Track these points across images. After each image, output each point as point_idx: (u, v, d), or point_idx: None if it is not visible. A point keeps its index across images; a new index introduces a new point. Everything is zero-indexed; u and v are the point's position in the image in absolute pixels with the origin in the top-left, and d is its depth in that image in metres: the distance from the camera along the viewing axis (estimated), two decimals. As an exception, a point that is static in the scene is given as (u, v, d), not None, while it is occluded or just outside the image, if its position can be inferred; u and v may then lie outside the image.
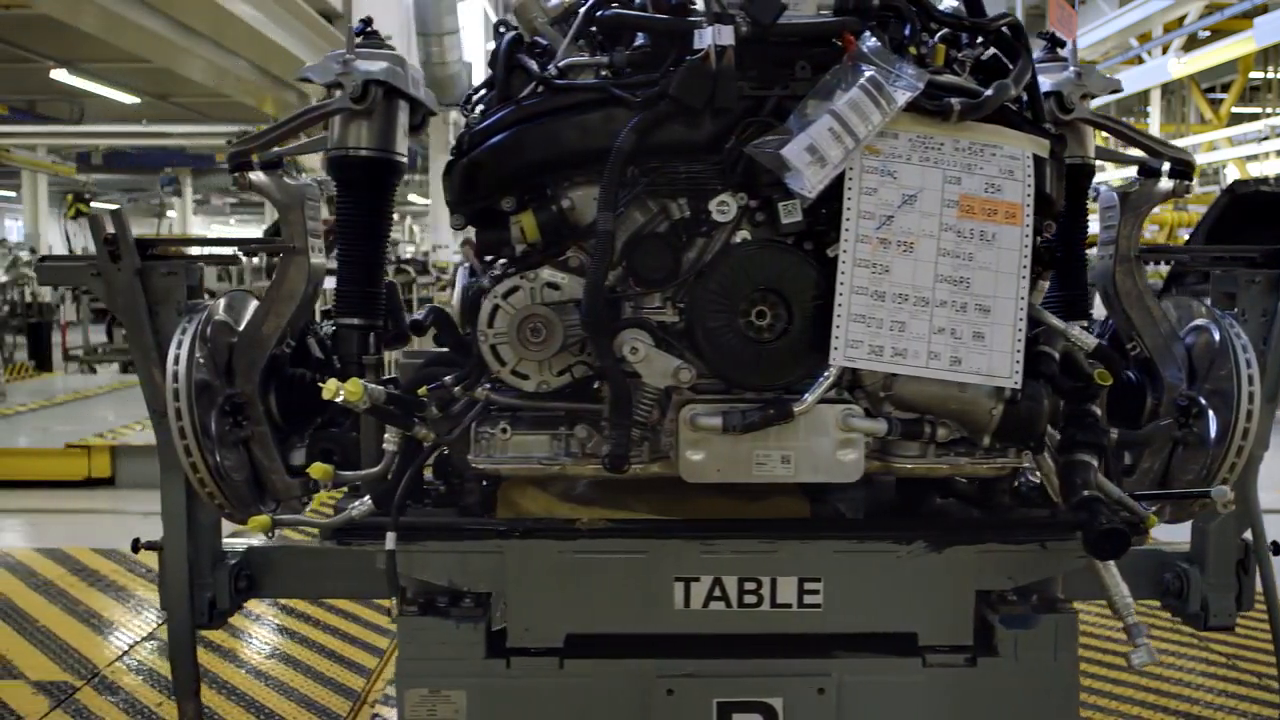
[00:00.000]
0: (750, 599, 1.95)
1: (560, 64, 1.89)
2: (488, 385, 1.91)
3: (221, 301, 2.21)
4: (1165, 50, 10.74)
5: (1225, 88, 15.18)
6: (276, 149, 2.19)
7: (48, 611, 4.60)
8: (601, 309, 1.79)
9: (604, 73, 1.90)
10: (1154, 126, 14.37)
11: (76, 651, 4.13)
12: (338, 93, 2.11)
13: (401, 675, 2.00)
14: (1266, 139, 12.00)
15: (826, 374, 1.76)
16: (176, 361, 2.04)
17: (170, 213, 20.80)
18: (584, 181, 1.87)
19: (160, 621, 4.35)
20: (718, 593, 1.95)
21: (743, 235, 1.84)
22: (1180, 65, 10.49)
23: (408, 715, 1.99)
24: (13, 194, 24.19)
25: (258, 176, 2.17)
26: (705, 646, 1.99)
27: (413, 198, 22.69)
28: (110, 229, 2.19)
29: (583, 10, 1.94)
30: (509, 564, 1.97)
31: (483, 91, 2.18)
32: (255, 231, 28.44)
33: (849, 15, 1.82)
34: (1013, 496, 2.07)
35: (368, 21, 2.21)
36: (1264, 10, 9.85)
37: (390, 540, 1.91)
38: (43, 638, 4.30)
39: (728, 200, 1.81)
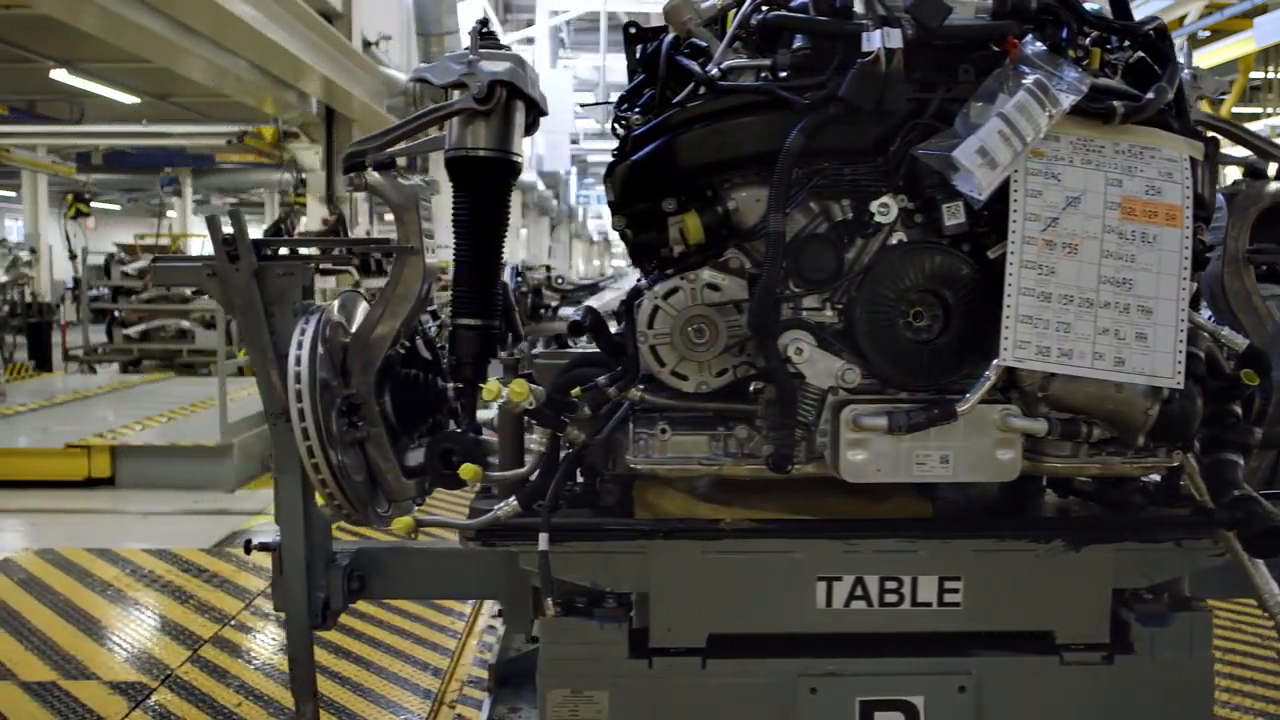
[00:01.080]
0: (891, 598, 1.97)
1: (722, 66, 1.89)
2: (641, 386, 1.93)
3: (335, 302, 2.22)
4: (1165, 50, 10.72)
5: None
6: (387, 150, 2.17)
7: (108, 612, 4.64)
8: (771, 310, 1.81)
9: (763, 74, 1.90)
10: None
11: (144, 652, 4.16)
12: (455, 94, 2.11)
13: (544, 676, 2.00)
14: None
15: (988, 374, 1.78)
16: (298, 362, 2.04)
17: (170, 213, 20.78)
18: (747, 183, 1.88)
19: (222, 623, 4.42)
20: (859, 592, 1.97)
21: (898, 237, 1.87)
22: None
23: (549, 716, 1.99)
24: (13, 194, 24.19)
25: (373, 177, 2.16)
26: (839, 645, 2.00)
27: (413, 198, 22.60)
28: (228, 229, 2.19)
29: (740, 12, 1.94)
30: (652, 564, 1.97)
31: (639, 94, 2.18)
32: (255, 232, 28.42)
33: (1008, 18, 1.83)
34: (1142, 495, 2.08)
35: (484, 22, 2.22)
36: (1264, 10, 9.84)
37: (543, 541, 1.90)
38: (106, 638, 4.33)
39: (889, 202, 1.84)
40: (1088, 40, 1.90)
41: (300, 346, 2.06)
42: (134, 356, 14.20)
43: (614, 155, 1.98)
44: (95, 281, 15.00)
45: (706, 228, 1.87)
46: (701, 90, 1.88)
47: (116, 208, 28.79)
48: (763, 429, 1.90)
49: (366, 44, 10.61)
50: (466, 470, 1.96)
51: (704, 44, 1.99)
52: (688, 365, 1.89)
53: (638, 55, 2.33)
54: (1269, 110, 14.02)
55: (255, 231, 2.36)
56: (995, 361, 1.77)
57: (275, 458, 2.29)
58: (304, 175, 10.57)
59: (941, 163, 1.74)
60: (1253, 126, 12.82)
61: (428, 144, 2.25)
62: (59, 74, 10.86)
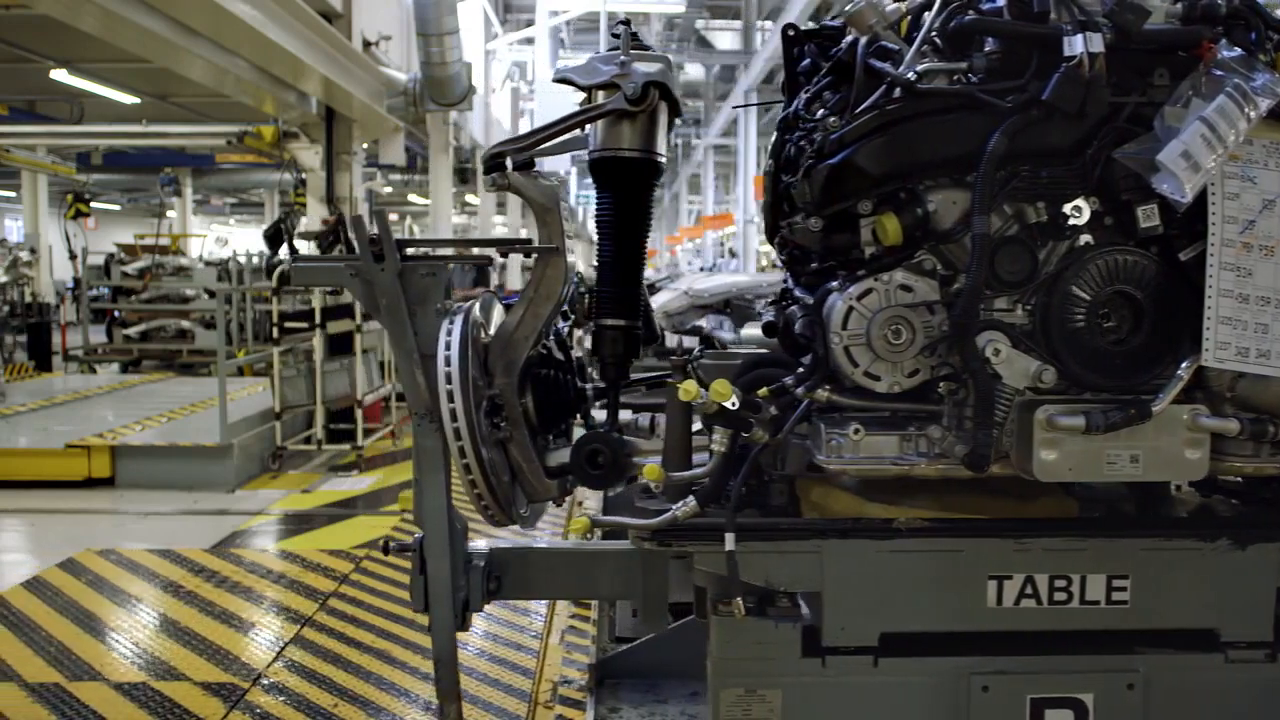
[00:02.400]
0: (1060, 596, 2.00)
1: (919, 69, 1.91)
2: (827, 387, 1.95)
3: (476, 303, 2.23)
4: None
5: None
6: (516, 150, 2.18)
7: (182, 612, 4.67)
8: (976, 311, 1.84)
9: (956, 78, 1.93)
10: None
11: (228, 653, 4.18)
12: (600, 94, 2.14)
13: (718, 676, 2.03)
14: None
15: (1180, 374, 1.83)
16: (448, 363, 2.06)
17: (170, 213, 20.77)
18: (942, 185, 1.91)
19: (300, 624, 4.45)
20: (1029, 590, 2.00)
21: (1086, 239, 1.90)
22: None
23: (723, 715, 2.02)
24: (13, 194, 24.17)
25: (515, 177, 2.18)
26: (1008, 643, 2.02)
27: (413, 198, 22.65)
28: (374, 230, 2.19)
29: (930, 16, 1.95)
30: (827, 563, 2.00)
31: (823, 97, 2.18)
32: (255, 231, 28.48)
33: (1199, 23, 1.86)
34: None
35: (627, 23, 2.23)
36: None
37: (730, 541, 1.92)
38: (186, 638, 4.35)
39: (1082, 204, 1.87)
40: (1271, 44, 1.93)
41: (449, 347, 2.07)
42: (134, 356, 14.20)
43: (811, 158, 1.98)
44: (95, 282, 14.99)
45: (904, 229, 1.89)
46: (897, 93, 1.89)
47: (116, 208, 28.78)
48: (953, 429, 1.92)
49: (366, 44, 10.60)
50: (650, 471, 1.99)
51: (895, 47, 2.00)
52: (881, 366, 1.92)
53: (798, 57, 2.36)
54: (1269, 110, 13.99)
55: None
56: (1185, 363, 1.82)
57: (419, 458, 2.28)
58: (304, 175, 10.55)
59: (1142, 165, 1.78)
60: (1253, 126, 12.87)
61: (569, 144, 2.24)
62: (59, 74, 10.84)
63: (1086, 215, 1.88)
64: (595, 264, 2.29)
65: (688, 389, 1.91)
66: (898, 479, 2.01)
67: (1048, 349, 1.88)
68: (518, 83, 23.42)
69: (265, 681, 3.86)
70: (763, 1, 21.67)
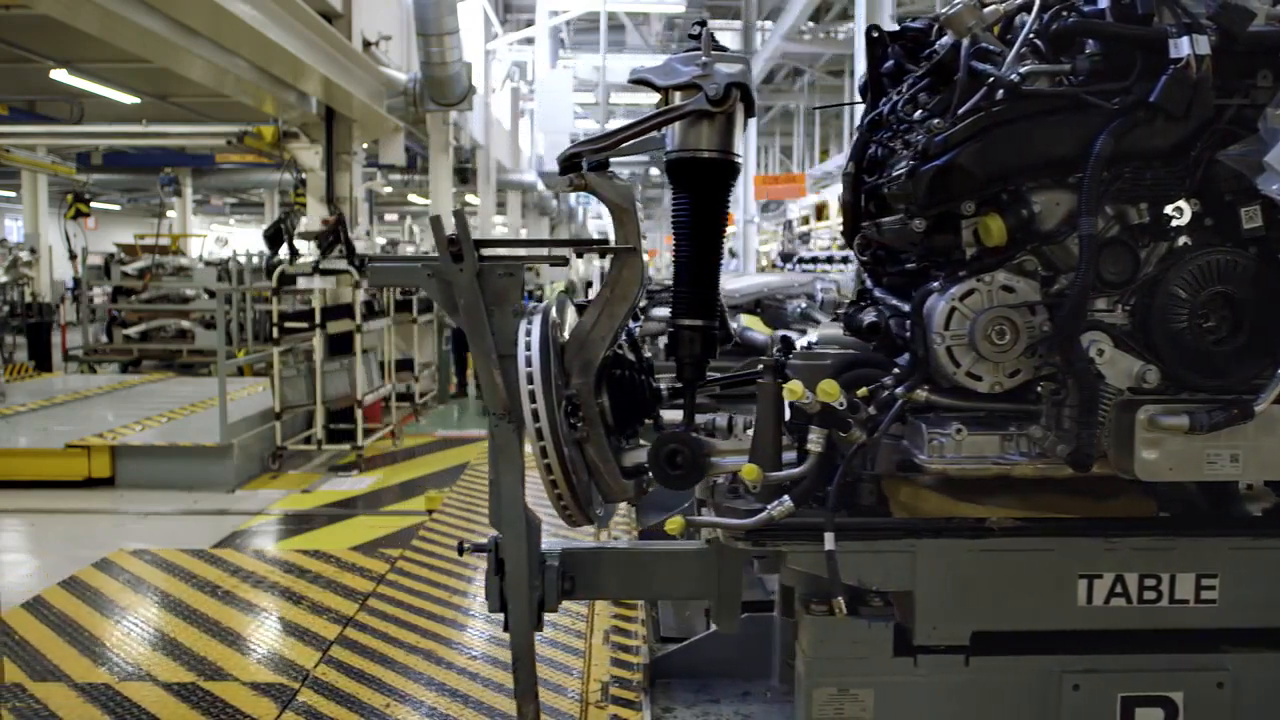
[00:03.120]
0: (1150, 595, 2.02)
1: (1021, 71, 1.92)
2: (926, 388, 1.97)
3: (552, 303, 2.24)
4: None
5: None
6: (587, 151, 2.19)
7: (223, 612, 4.68)
8: (1084, 312, 1.86)
9: (1059, 79, 1.94)
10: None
11: (275, 653, 4.19)
12: (677, 95, 2.15)
13: (810, 675, 2.04)
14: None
15: None
16: (529, 363, 2.07)
17: (170, 213, 20.77)
18: (1045, 186, 1.92)
19: (343, 624, 4.44)
20: (1119, 589, 2.02)
21: (1186, 240, 1.92)
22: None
23: (815, 714, 2.03)
24: (13, 194, 24.16)
25: (591, 178, 2.18)
26: (1097, 641, 2.04)
27: (413, 198, 22.65)
28: (452, 230, 2.19)
29: (1030, 18, 1.96)
30: (919, 563, 2.01)
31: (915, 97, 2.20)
32: (255, 231, 28.46)
33: None
34: None
35: (703, 24, 2.24)
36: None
37: (829, 541, 1.93)
38: (231, 639, 4.36)
39: (1183, 205, 1.90)
40: None
41: (529, 347, 2.09)
42: (134, 356, 14.19)
43: (914, 159, 1.99)
44: (95, 282, 14.98)
45: (1008, 230, 1.91)
46: (999, 94, 1.90)
47: (116, 208, 28.77)
48: (1052, 428, 1.94)
49: (366, 44, 10.60)
50: (749, 471, 1.99)
51: (995, 49, 2.02)
52: (984, 366, 1.93)
53: (881, 59, 2.38)
54: (1269, 110, 13.99)
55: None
56: None
57: (496, 459, 2.28)
58: (304, 175, 10.54)
59: (1248, 167, 1.79)
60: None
61: (645, 145, 2.25)
62: (59, 74, 10.84)
63: (1188, 216, 1.90)
64: (672, 264, 2.30)
65: (793, 389, 1.92)
66: (981, 479, 2.01)
67: (1148, 349, 1.90)
68: (518, 83, 23.41)
69: (314, 682, 3.85)
70: (763, 1, 21.66)
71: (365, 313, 8.56)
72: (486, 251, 2.23)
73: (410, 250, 21.32)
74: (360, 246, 9.57)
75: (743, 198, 21.98)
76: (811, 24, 18.10)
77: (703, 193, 2.22)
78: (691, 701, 3.05)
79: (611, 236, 2.26)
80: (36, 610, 4.67)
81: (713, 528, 2.14)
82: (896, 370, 2.03)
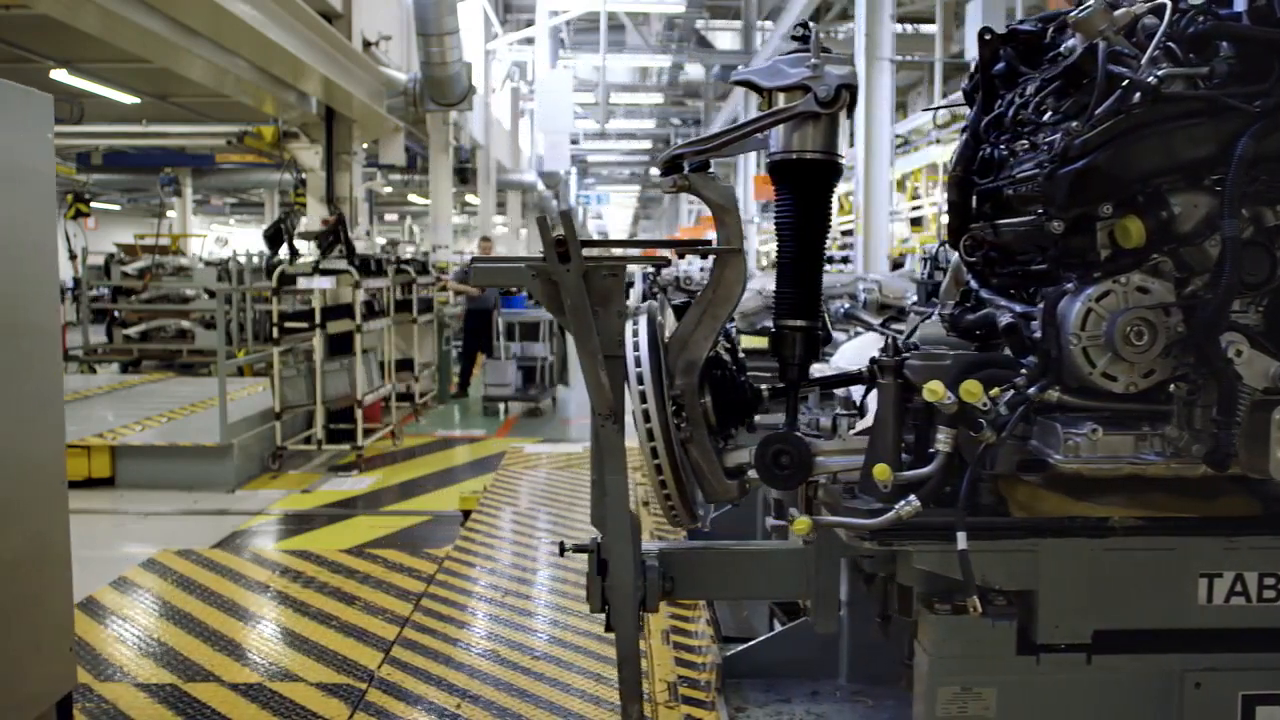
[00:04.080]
0: (1269, 594, 2.04)
1: (1159, 74, 1.93)
2: (1057, 388, 1.98)
3: (654, 304, 2.26)
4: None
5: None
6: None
7: (280, 612, 4.68)
8: (1227, 312, 1.88)
9: (1196, 82, 1.95)
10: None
11: (337, 654, 4.18)
12: (780, 97, 2.16)
13: (934, 674, 2.05)
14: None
15: None
16: (638, 364, 2.09)
17: (170, 213, 20.78)
18: (1183, 188, 1.94)
19: (400, 624, 4.43)
20: (1239, 588, 2.03)
21: None
22: (1180, 65, 10.48)
23: (939, 713, 2.05)
24: (13, 194, 24.08)
25: (695, 178, 2.20)
26: (1218, 640, 2.06)
27: (413, 198, 22.66)
28: (558, 231, 2.20)
29: (1165, 21, 1.97)
30: (1042, 562, 2.03)
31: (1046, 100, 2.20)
32: (255, 231, 28.44)
33: None
34: None
35: (805, 25, 2.26)
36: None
37: (962, 540, 1.93)
38: (292, 639, 4.36)
39: None
40: None
41: (638, 348, 2.10)
42: (134, 356, 14.19)
43: (1049, 161, 2.01)
44: (95, 282, 14.98)
45: (1146, 232, 1.93)
46: (1136, 97, 1.92)
47: (116, 208, 28.77)
48: (1184, 428, 1.96)
49: (366, 44, 10.61)
50: (881, 471, 2.00)
51: (1128, 52, 2.02)
52: (1120, 366, 1.94)
53: (993, 61, 2.38)
54: None
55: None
56: None
57: (601, 460, 2.28)
58: (304, 175, 10.55)
59: None
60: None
61: (746, 146, 2.26)
62: (59, 74, 10.85)
63: None
64: (775, 265, 2.32)
65: (935, 389, 1.94)
66: (1097, 479, 2.03)
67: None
68: (518, 83, 23.42)
69: (380, 682, 3.83)
70: (763, 1, 21.66)
71: (365, 313, 8.56)
72: (589, 252, 2.24)
73: (410, 250, 21.32)
74: (360, 246, 9.57)
75: (742, 198, 21.97)
76: (811, 24, 18.09)
77: (806, 193, 2.24)
78: (763, 701, 3.07)
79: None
80: (90, 611, 4.67)
81: (837, 528, 2.15)
82: (1023, 371, 2.05)
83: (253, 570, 5.32)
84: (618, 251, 2.55)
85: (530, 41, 19.91)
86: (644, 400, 2.06)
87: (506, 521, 6.01)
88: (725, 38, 24.70)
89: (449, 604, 4.64)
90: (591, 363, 2.19)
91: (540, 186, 25.39)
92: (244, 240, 28.11)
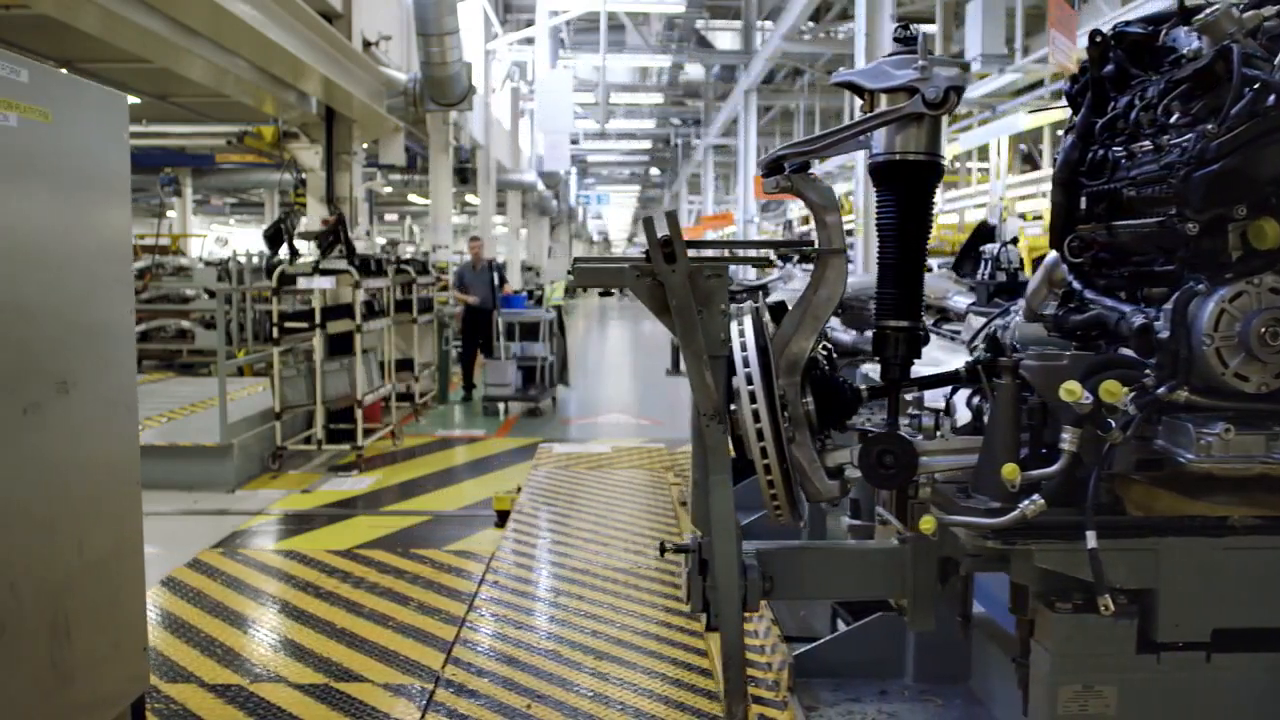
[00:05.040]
0: None
1: None
2: (1186, 388, 2.00)
3: (756, 305, 2.28)
4: (1165, 50, 10.73)
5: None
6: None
7: (333, 613, 4.66)
8: None
9: None
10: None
11: (397, 654, 4.17)
12: (884, 98, 2.18)
13: (1055, 671, 2.08)
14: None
15: None
16: (746, 364, 2.11)
17: (170, 213, 20.77)
18: None
19: (457, 624, 4.42)
20: None
21: None
22: (1180, 65, 10.49)
23: (1060, 712, 2.08)
24: (13, 194, 24.07)
25: (798, 179, 2.23)
26: None
27: (413, 198, 22.66)
28: (664, 231, 2.22)
29: None
30: (1163, 561, 2.06)
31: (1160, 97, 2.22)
32: (255, 231, 28.45)
33: None
34: None
35: (907, 26, 2.27)
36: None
37: (1091, 539, 1.95)
38: (351, 639, 4.34)
39: None
40: None
41: (745, 348, 2.13)
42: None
43: (1185, 163, 2.02)
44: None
45: None
46: (1272, 99, 1.93)
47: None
48: None
49: (366, 44, 10.60)
50: (1009, 470, 2.02)
51: (1260, 54, 2.04)
52: (1252, 366, 1.96)
53: (1102, 62, 2.39)
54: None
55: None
56: None
57: (705, 460, 2.30)
58: (304, 175, 10.55)
59: None
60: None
61: (847, 147, 2.29)
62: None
63: None
64: (876, 266, 2.34)
65: (1072, 389, 1.95)
66: (1222, 478, 2.05)
67: None
68: (518, 83, 23.42)
69: (446, 683, 3.82)
70: (763, 1, 21.65)
71: (365, 313, 8.56)
72: (693, 253, 2.27)
73: (410, 250, 21.31)
74: (360, 246, 9.57)
75: (742, 198, 21.98)
76: (811, 24, 18.08)
77: (909, 194, 2.26)
78: (832, 700, 3.09)
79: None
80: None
81: (960, 527, 2.16)
82: (1148, 371, 2.07)
83: (299, 570, 5.31)
84: (708, 252, 2.56)
85: (530, 41, 19.90)
86: (754, 400, 2.07)
87: (546, 521, 6.01)
88: (725, 38, 24.69)
89: (503, 604, 4.63)
90: (696, 363, 2.22)
91: (540, 186, 25.40)
92: (244, 240, 28.12)
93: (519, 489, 6.69)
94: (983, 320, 2.94)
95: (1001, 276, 3.90)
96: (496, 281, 12.13)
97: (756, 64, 19.87)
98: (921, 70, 2.15)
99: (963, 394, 2.64)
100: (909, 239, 2.28)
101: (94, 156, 2.92)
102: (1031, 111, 11.03)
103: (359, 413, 8.21)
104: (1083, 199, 2.37)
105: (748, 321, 2.16)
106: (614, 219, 57.88)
